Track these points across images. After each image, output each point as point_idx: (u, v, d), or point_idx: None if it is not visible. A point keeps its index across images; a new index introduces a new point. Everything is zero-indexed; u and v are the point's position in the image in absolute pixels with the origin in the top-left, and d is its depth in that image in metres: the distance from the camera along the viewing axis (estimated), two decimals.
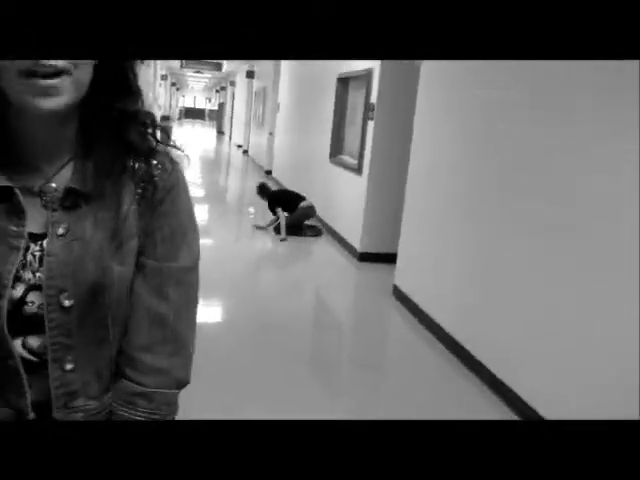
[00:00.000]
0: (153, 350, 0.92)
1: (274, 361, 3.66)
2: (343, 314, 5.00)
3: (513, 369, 3.25)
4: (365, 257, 6.12)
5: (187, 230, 0.96)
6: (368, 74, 5.99)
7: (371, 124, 5.93)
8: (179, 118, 41.19)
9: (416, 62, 4.81)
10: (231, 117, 25.24)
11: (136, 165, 0.90)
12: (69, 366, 0.88)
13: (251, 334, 4.08)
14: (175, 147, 0.96)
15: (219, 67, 19.96)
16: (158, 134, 0.93)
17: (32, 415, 0.87)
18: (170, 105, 29.70)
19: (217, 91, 36.75)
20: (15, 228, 0.83)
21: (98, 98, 0.85)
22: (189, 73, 26.34)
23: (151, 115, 0.92)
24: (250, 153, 17.47)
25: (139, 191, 0.90)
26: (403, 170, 5.08)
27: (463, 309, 3.88)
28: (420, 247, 4.69)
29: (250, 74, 17.29)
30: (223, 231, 7.56)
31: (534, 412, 2.97)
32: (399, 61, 5.66)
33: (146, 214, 0.91)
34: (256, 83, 16.75)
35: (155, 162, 0.91)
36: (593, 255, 2.67)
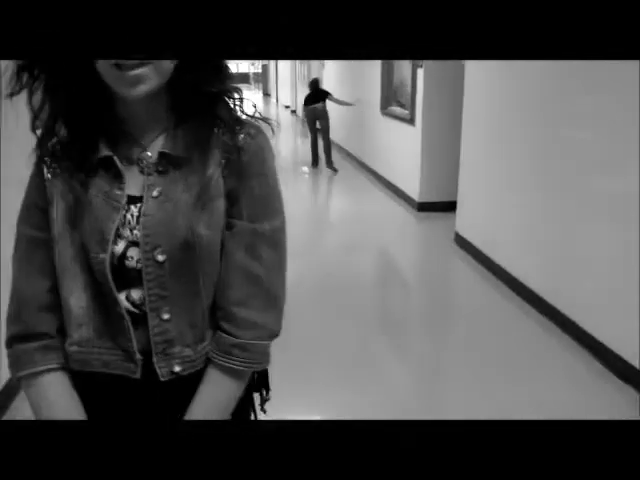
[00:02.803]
0: (247, 305, 1.00)
1: (340, 319, 3.71)
2: (407, 266, 5.04)
3: (582, 311, 3.24)
4: (424, 207, 6.11)
5: (275, 191, 1.03)
6: None
7: (420, 72, 5.83)
8: None
9: None
10: (276, 79, 25.11)
11: (222, 133, 0.98)
12: (165, 316, 0.98)
13: (316, 293, 4.15)
14: (262, 119, 1.04)
15: None
16: (245, 106, 1.01)
17: (138, 356, 0.99)
18: None
19: None
20: (117, 191, 0.97)
21: (185, 79, 0.94)
22: None
23: (239, 90, 1.00)
24: (299, 113, 17.42)
25: (226, 156, 0.98)
26: (457, 116, 5.00)
27: (528, 251, 3.85)
28: (480, 192, 4.64)
29: None
30: None
31: (611, 354, 2.97)
32: None
33: (233, 177, 0.98)
34: None
35: (240, 129, 0.99)
36: None
